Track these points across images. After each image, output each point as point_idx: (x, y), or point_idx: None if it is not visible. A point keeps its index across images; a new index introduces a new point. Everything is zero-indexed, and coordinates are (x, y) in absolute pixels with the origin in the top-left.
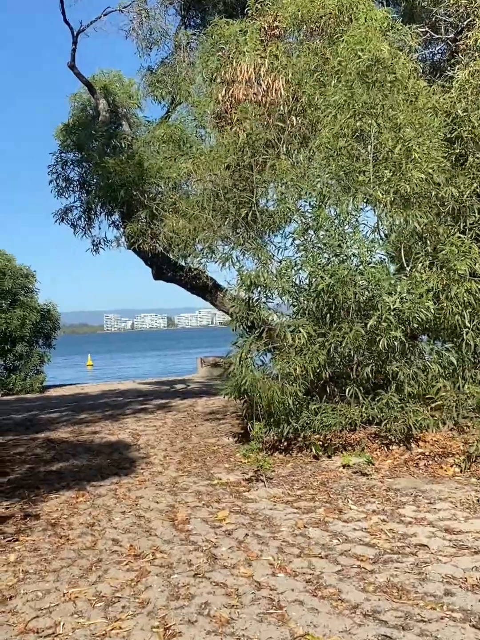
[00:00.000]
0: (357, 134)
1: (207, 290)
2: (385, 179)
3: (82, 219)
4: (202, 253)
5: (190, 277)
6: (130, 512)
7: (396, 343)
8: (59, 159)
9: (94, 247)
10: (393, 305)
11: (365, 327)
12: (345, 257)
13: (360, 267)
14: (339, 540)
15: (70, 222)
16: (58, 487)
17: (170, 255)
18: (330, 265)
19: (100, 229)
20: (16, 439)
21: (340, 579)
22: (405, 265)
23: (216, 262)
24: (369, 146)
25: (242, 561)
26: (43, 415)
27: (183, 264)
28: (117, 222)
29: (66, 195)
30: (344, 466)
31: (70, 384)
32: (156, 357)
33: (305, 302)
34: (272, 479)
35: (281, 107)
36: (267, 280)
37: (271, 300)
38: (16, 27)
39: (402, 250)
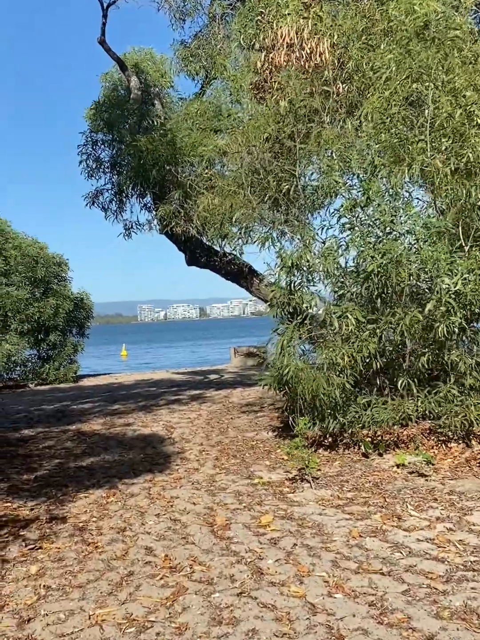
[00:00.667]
0: (411, 98)
1: (242, 276)
2: (443, 148)
3: (114, 202)
4: (239, 233)
5: (224, 262)
6: (164, 514)
7: (456, 329)
8: (89, 139)
9: (126, 232)
10: (454, 287)
11: (422, 312)
12: (398, 235)
13: (416, 245)
14: (401, 553)
15: (101, 206)
16: (88, 484)
17: (203, 239)
18: (381, 243)
19: (132, 212)
20: (46, 431)
21: (408, 601)
22: (464, 244)
23: (255, 242)
24: (426, 111)
25: (292, 577)
26: (75, 406)
27: (217, 248)
28: (149, 205)
29: (96, 177)
30: (398, 465)
31: (105, 374)
32: (189, 347)
33: (352, 285)
34: (318, 479)
35: (326, 73)
36: (310, 262)
37: (314, 285)
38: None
39: (460, 227)
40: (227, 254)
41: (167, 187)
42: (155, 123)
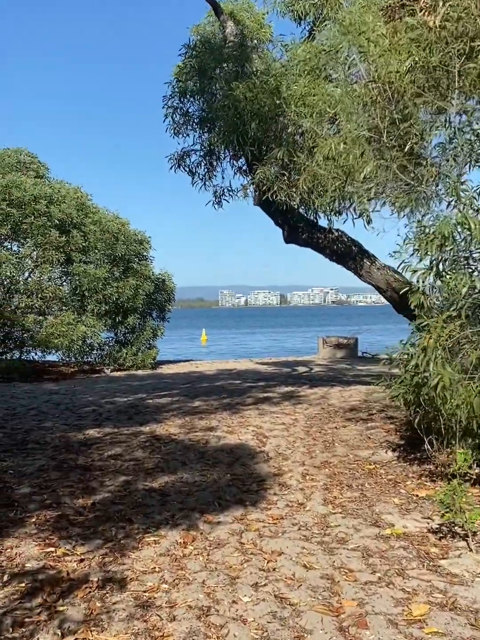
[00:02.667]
0: None
1: (350, 256)
2: None
3: (202, 164)
4: (370, 192)
5: (330, 239)
6: (265, 586)
7: None
8: (176, 89)
9: (216, 200)
10: None
11: None
12: None
13: None
14: None
15: (187, 169)
16: (159, 520)
17: (307, 211)
18: None
19: (223, 177)
20: (114, 433)
21: None
22: None
23: (387, 203)
24: None
25: None
26: (151, 400)
27: (324, 222)
28: (244, 168)
29: (184, 135)
30: None
31: (184, 361)
32: (271, 334)
33: None
34: (476, 535)
35: None
36: (473, 231)
37: (472, 264)
38: None
39: None
40: (334, 231)
41: (268, 145)
42: (255, 69)
